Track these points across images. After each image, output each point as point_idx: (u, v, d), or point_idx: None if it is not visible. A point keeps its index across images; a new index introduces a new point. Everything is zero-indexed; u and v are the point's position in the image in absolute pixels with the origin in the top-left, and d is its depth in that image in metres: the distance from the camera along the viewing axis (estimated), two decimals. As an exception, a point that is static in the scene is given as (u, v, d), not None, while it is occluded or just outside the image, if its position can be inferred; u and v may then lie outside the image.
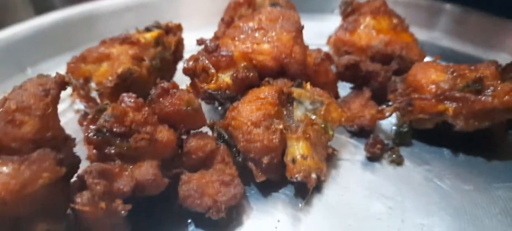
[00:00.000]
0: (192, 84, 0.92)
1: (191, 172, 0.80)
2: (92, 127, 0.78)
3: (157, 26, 1.08)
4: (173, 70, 1.11)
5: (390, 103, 1.01)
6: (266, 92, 0.85)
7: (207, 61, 0.88)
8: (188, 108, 0.78)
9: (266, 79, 0.89)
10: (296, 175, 0.79)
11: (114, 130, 0.74)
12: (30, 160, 0.67)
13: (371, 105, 1.02)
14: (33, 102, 0.68)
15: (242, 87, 0.88)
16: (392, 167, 0.92)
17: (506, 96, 0.87)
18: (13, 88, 0.72)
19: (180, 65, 1.11)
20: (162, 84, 0.79)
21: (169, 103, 0.78)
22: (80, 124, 1.01)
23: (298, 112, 0.85)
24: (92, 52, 0.95)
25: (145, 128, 0.75)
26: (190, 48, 1.10)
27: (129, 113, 0.75)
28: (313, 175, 0.80)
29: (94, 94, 0.94)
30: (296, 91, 0.85)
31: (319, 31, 1.28)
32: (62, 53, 1.33)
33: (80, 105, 1.02)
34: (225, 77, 0.88)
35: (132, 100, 0.80)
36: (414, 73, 0.99)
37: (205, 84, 0.87)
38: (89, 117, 0.79)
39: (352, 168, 0.91)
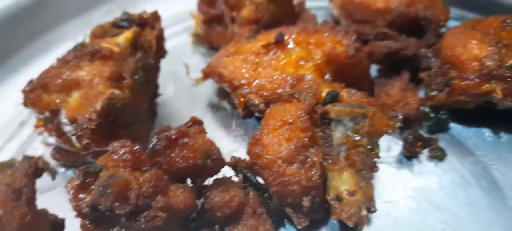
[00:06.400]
0: None
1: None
2: (81, 195, 0.59)
3: (128, 19, 0.82)
4: (157, 72, 0.87)
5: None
6: (293, 112, 0.67)
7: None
8: (207, 160, 0.59)
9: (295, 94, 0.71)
10: (346, 219, 0.65)
11: (117, 211, 0.55)
12: None
13: (412, 89, 0.85)
14: (4, 214, 0.47)
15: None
16: (433, 163, 0.79)
17: None
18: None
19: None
20: (167, 133, 0.59)
21: (180, 158, 0.59)
22: (55, 157, 0.80)
23: (338, 134, 0.68)
24: (54, 77, 0.71)
25: (156, 200, 0.57)
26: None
27: (132, 184, 0.56)
28: (364, 212, 0.66)
29: (67, 128, 0.72)
30: (332, 110, 0.67)
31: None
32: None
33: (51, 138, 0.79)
34: None
35: (128, 149, 0.61)
36: (451, 46, 0.84)
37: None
38: (76, 182, 0.59)
39: (389, 170, 0.78)
